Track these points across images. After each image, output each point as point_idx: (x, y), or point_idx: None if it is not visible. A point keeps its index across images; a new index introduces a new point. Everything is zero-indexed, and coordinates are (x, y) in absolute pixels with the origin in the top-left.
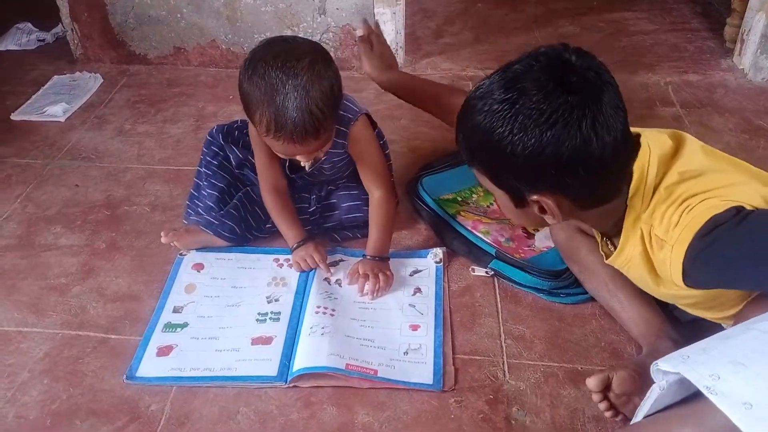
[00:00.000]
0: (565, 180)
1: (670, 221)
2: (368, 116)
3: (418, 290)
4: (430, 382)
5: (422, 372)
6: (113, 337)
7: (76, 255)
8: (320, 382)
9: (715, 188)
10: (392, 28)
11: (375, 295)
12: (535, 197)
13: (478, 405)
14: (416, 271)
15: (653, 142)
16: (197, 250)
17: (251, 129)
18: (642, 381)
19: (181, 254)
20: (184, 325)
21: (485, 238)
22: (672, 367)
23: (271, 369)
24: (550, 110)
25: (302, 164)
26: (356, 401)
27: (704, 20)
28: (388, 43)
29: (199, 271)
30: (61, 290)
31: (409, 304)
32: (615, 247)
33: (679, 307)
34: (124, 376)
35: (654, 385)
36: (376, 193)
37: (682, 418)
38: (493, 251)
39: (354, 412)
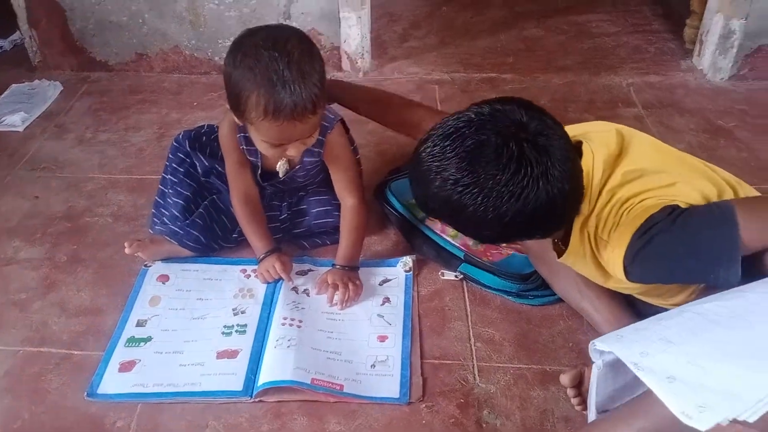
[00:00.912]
0: (533, 227)
1: (612, 222)
2: (342, 122)
3: (387, 300)
4: (397, 396)
5: (389, 385)
6: (76, 352)
7: (37, 269)
8: (286, 397)
9: (655, 188)
10: (358, 33)
11: (344, 305)
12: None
13: (449, 410)
14: (385, 281)
15: (598, 143)
16: (162, 261)
17: (221, 134)
18: None
19: (145, 266)
20: (148, 339)
21: (454, 242)
22: (607, 346)
23: (237, 384)
24: (514, 187)
25: (277, 168)
26: (327, 410)
27: (665, 22)
28: (354, 48)
29: (164, 283)
30: (22, 306)
31: (378, 314)
32: (565, 246)
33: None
34: (85, 393)
35: (593, 366)
36: (348, 201)
37: (634, 412)
38: (461, 254)
39: (325, 421)
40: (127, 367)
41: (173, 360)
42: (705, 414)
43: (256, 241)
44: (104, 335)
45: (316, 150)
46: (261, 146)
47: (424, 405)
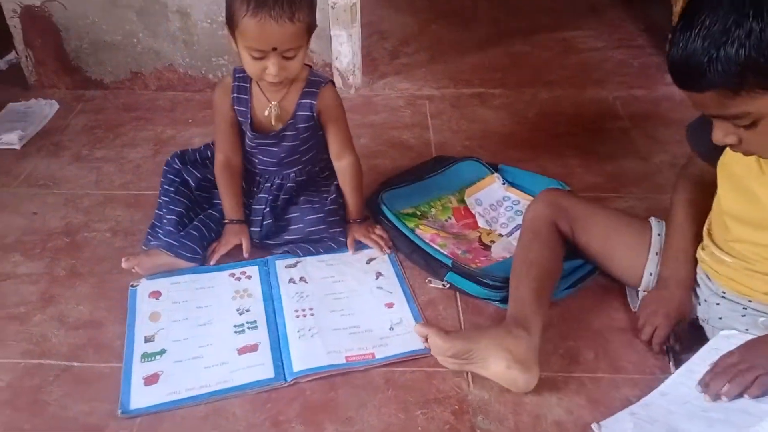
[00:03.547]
0: None
1: None
2: (333, 84)
3: (379, 274)
4: (424, 347)
5: (412, 341)
6: (76, 364)
7: (36, 283)
8: (319, 374)
9: None
10: (349, 50)
11: (387, 248)
12: None
13: (444, 416)
14: (372, 259)
15: None
16: (148, 278)
17: (215, 98)
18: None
19: (132, 285)
20: (162, 352)
21: (442, 251)
22: None
23: (268, 372)
24: None
25: (266, 114)
26: (324, 417)
27: (648, 37)
28: (345, 64)
29: (157, 299)
30: (21, 319)
31: (377, 287)
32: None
33: None
34: (119, 411)
35: None
36: (346, 159)
37: None
38: (449, 262)
39: (322, 428)
40: (152, 380)
41: (196, 365)
42: None
43: (228, 203)
44: (104, 347)
45: (308, 102)
46: (245, 61)
47: (419, 411)
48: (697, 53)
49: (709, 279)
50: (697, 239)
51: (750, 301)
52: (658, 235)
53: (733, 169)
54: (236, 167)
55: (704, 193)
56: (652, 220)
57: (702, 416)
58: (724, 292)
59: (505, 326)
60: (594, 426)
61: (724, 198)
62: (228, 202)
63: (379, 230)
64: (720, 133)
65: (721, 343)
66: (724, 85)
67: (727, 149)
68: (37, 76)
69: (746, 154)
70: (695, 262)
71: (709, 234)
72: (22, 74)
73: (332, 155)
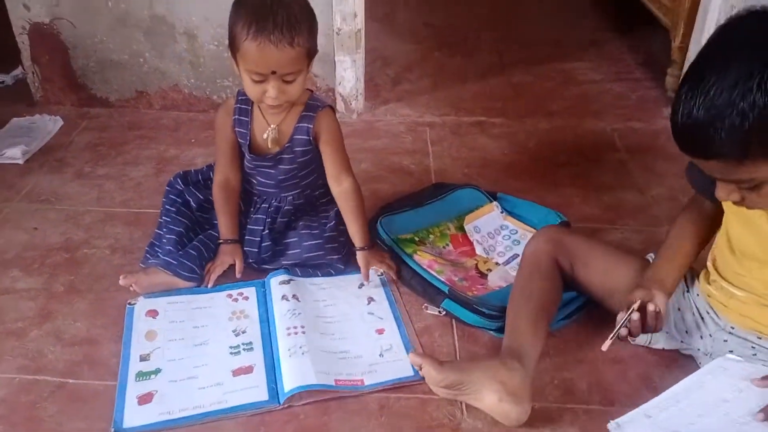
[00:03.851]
0: None
1: None
2: (332, 109)
3: (371, 299)
4: (412, 374)
5: (402, 368)
6: (71, 381)
7: (34, 299)
8: (313, 398)
9: None
10: (352, 75)
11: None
12: None
13: None
14: (363, 284)
15: None
16: (146, 296)
17: (217, 118)
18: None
19: (130, 304)
20: (157, 371)
21: (440, 277)
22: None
23: (261, 394)
24: None
25: (264, 137)
26: None
27: (647, 71)
28: (348, 89)
29: (154, 318)
30: (18, 334)
31: (368, 312)
32: None
33: None
34: (112, 429)
35: None
36: (345, 182)
37: None
38: (446, 289)
39: None
40: (146, 399)
41: (190, 385)
42: None
43: (224, 226)
44: (100, 364)
45: (305, 126)
46: (246, 84)
47: None
48: (702, 123)
49: (717, 315)
50: (689, 257)
51: (760, 337)
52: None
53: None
54: (234, 188)
55: (705, 223)
56: (651, 257)
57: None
58: (733, 328)
59: (500, 358)
60: (611, 425)
61: (733, 233)
62: (224, 221)
63: (387, 258)
64: (723, 193)
65: (728, 364)
66: (729, 155)
67: None
68: (43, 92)
69: (749, 209)
70: (681, 273)
71: (715, 268)
72: (28, 90)
73: (330, 180)
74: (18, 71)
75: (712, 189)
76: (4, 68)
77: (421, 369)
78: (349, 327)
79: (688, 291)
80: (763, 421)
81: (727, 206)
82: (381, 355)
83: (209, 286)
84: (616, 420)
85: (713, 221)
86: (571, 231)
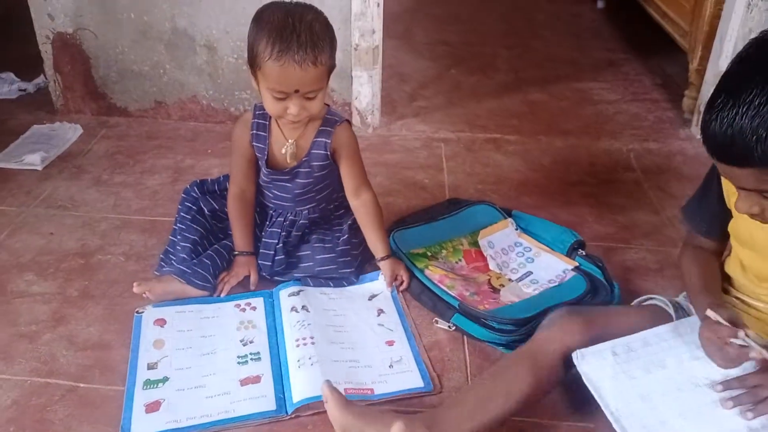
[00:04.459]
0: None
1: None
2: (349, 123)
3: (381, 311)
4: (422, 385)
5: (412, 379)
6: (82, 385)
7: (48, 302)
8: (321, 408)
9: None
10: (369, 90)
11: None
12: None
13: None
14: (373, 296)
15: None
16: (154, 305)
17: (234, 132)
18: None
19: (138, 312)
20: (165, 380)
21: (450, 292)
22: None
23: (269, 404)
24: None
25: (283, 151)
26: None
27: (664, 92)
28: (364, 104)
29: (162, 327)
30: (31, 338)
31: (378, 324)
32: None
33: None
34: None
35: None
36: (364, 195)
37: None
38: (456, 304)
39: None
40: (153, 407)
41: (198, 394)
42: None
43: (239, 235)
44: (111, 369)
45: (323, 140)
46: (267, 101)
47: None
48: (744, 132)
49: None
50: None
51: None
52: (670, 310)
53: (741, 231)
54: (250, 200)
55: (709, 262)
56: (658, 302)
57: (673, 392)
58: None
59: (415, 417)
60: (575, 354)
61: (746, 261)
62: (239, 233)
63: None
64: (745, 205)
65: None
66: None
67: (738, 216)
68: (64, 100)
69: (764, 222)
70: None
71: (731, 284)
72: (50, 98)
73: (348, 193)
74: (40, 80)
75: (711, 224)
76: (26, 76)
77: (326, 402)
78: (359, 337)
79: None
80: (720, 392)
81: (735, 238)
82: (391, 366)
83: (222, 296)
84: (581, 350)
85: (714, 258)
86: (581, 310)
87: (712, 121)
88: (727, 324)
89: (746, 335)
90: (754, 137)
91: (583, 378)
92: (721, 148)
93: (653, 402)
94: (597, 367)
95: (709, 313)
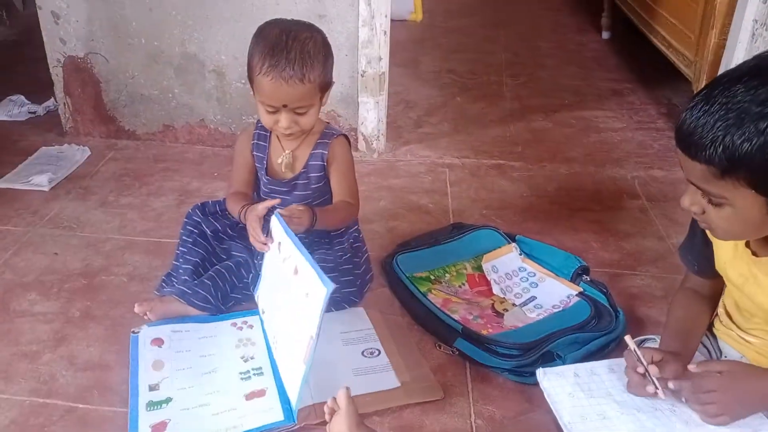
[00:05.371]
0: None
1: None
2: (347, 138)
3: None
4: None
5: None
6: (81, 406)
7: (50, 322)
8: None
9: None
10: (375, 116)
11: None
12: None
13: None
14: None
15: None
16: (149, 324)
17: (237, 142)
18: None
19: (133, 332)
20: (168, 400)
21: (453, 316)
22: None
23: (277, 415)
24: None
25: (278, 162)
26: None
27: (669, 120)
28: (370, 130)
29: (160, 347)
30: (32, 357)
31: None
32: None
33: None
34: None
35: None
36: (347, 201)
37: None
38: (459, 328)
39: None
40: (159, 428)
41: (203, 412)
42: None
43: (235, 208)
44: (110, 390)
45: (320, 152)
46: (260, 112)
47: None
48: (705, 128)
49: (734, 350)
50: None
51: None
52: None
53: (729, 274)
54: (247, 196)
55: (694, 306)
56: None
57: (631, 412)
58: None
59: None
60: (539, 371)
61: (740, 302)
62: (236, 207)
63: (302, 219)
64: (688, 200)
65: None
66: (716, 165)
67: (722, 258)
68: (73, 123)
69: (700, 222)
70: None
71: (728, 317)
72: (59, 120)
73: (337, 198)
74: (50, 102)
75: (703, 265)
76: (36, 99)
77: (335, 412)
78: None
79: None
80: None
81: (729, 281)
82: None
83: (266, 249)
84: (544, 368)
85: (711, 299)
86: None
87: (688, 110)
88: (638, 352)
89: (644, 362)
90: (711, 136)
91: (544, 393)
92: (683, 134)
93: (612, 420)
94: (557, 384)
95: (627, 338)
